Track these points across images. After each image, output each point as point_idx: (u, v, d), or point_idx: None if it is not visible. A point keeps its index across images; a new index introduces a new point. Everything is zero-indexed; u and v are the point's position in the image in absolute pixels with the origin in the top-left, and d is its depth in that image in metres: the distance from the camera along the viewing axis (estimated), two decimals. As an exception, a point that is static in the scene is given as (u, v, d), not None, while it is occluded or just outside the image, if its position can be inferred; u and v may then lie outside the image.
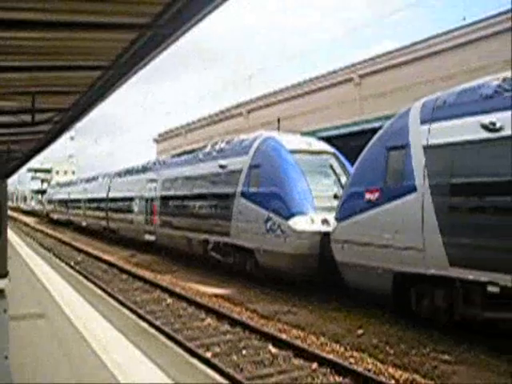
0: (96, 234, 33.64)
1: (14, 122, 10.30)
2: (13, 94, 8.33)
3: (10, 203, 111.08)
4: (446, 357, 8.32)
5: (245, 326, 10.32)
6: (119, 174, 30.94)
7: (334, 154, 15.22)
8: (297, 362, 8.32)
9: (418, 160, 9.47)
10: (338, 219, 11.49)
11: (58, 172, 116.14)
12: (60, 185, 54.04)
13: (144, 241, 23.35)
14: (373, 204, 10.36)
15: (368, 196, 10.50)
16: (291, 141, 15.18)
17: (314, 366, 8.03)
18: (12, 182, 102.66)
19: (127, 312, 10.17)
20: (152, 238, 22.34)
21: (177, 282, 15.84)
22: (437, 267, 8.89)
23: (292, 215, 12.99)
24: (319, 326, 10.37)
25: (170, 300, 13.26)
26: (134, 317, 9.76)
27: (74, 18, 5.08)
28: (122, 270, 18.50)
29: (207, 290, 14.37)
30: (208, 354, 8.51)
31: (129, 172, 29.09)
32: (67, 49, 6.13)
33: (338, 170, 14.70)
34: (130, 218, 25.77)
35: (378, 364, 8.07)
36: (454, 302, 8.97)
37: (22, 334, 7.35)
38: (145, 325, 9.17)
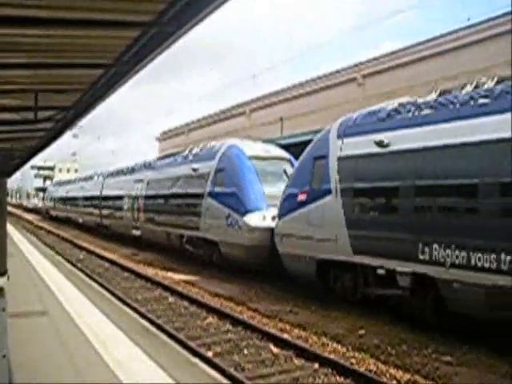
0: (92, 229, 34.39)
1: (17, 120, 10.29)
2: (16, 92, 8.32)
3: (13, 200, 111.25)
4: (448, 358, 8.29)
5: (246, 326, 10.30)
6: (111, 174, 33.20)
7: (288, 160, 17.38)
8: (298, 361, 8.30)
9: (333, 168, 11.78)
10: (279, 216, 13.71)
11: (60, 170, 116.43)
12: (59, 183, 56.60)
13: (132, 235, 25.81)
14: (302, 204, 12.58)
15: (300, 197, 12.72)
16: (251, 148, 17.43)
17: (316, 366, 8.01)
18: (15, 179, 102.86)
19: (128, 310, 10.17)
20: (138, 232, 24.92)
21: (178, 281, 15.84)
22: (345, 255, 11.20)
23: (247, 212, 15.31)
24: (320, 326, 10.35)
25: (171, 299, 13.26)
26: (135, 315, 9.76)
27: (78, 16, 5.07)
28: (124, 268, 18.51)
29: (209, 289, 14.36)
30: (209, 354, 8.50)
31: (120, 172, 31.36)
32: (70, 46, 6.12)
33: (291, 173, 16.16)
34: (120, 215, 28.16)
35: (380, 365, 8.04)
36: (357, 282, 11.24)
37: (23, 331, 7.35)
38: (146, 323, 9.17)
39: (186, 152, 21.63)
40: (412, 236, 9.55)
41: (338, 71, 30.11)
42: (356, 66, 28.94)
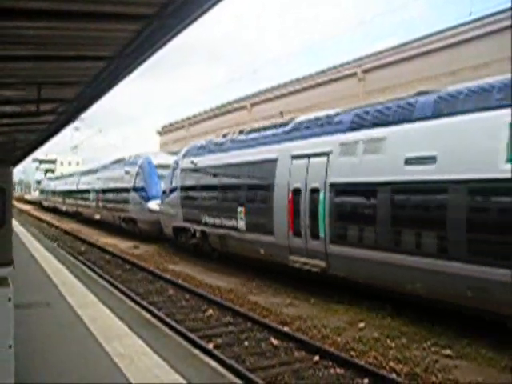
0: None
1: (20, 112, 10.30)
2: (18, 84, 8.33)
3: (15, 193, 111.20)
4: (448, 351, 8.34)
5: (247, 318, 10.36)
6: (84, 173, 42.64)
7: None
8: (298, 354, 8.36)
9: (178, 175, 20.52)
10: (161, 202, 22.40)
11: (62, 163, 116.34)
12: (50, 179, 68.13)
13: (95, 219, 34.99)
14: (168, 195, 21.40)
15: (167, 191, 21.56)
16: (157, 158, 26.68)
17: (316, 358, 8.06)
18: (17, 171, 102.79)
19: (130, 302, 10.21)
20: (98, 216, 34.25)
21: (179, 274, 15.89)
22: (182, 223, 19.86)
23: (149, 199, 24.59)
24: (321, 319, 10.41)
25: (172, 291, 13.32)
26: (136, 307, 9.80)
27: (80, 8, 5.08)
28: (125, 261, 18.58)
29: (210, 282, 14.42)
30: (210, 346, 8.55)
31: (89, 171, 40.55)
32: (73, 39, 6.13)
33: None
34: (88, 204, 37.32)
35: (380, 357, 8.09)
36: (187, 237, 19.42)
37: (26, 322, 7.40)
38: (148, 315, 9.21)
39: (126, 158, 30.17)
40: (201, 213, 18.06)
41: (340, 65, 30.02)
42: (355, 61, 28.86)
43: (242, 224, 15.07)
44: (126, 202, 27.23)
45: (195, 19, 4.96)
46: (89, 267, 16.02)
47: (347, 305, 11.40)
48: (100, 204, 33.32)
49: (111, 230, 30.92)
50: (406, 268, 9.78)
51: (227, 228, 15.99)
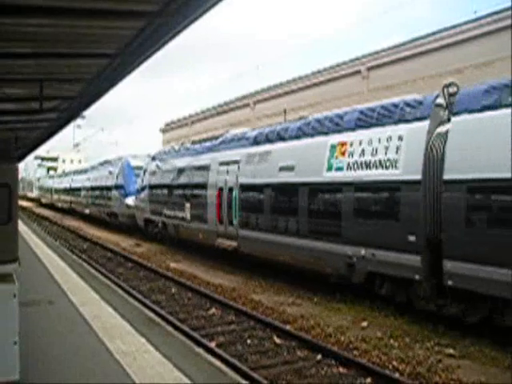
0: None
1: (23, 109, 10.28)
2: (21, 82, 8.30)
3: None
4: (451, 351, 8.32)
5: (249, 317, 10.34)
6: (77, 172, 48.18)
7: None
8: (301, 353, 8.34)
9: (147, 175, 24.92)
10: (135, 198, 26.32)
11: (64, 160, 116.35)
12: (48, 177, 73.36)
13: (85, 214, 39.57)
14: (140, 192, 25.49)
15: (140, 189, 25.63)
16: (135, 160, 30.24)
17: (319, 357, 8.05)
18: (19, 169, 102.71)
19: (132, 300, 10.21)
20: (87, 211, 38.70)
21: (182, 272, 15.88)
22: (150, 215, 24.05)
23: (127, 196, 28.21)
24: (324, 318, 10.38)
25: (174, 289, 13.31)
26: (139, 305, 9.80)
27: (83, 5, 5.04)
28: (128, 259, 18.59)
29: (212, 280, 14.41)
30: (212, 344, 8.54)
31: (80, 172, 46.43)
32: (76, 36, 6.09)
33: None
34: (79, 201, 42.25)
35: (383, 357, 8.06)
36: (155, 227, 23.46)
37: (29, 320, 7.39)
38: (151, 314, 9.20)
39: (111, 160, 35.02)
40: (162, 207, 22.25)
41: (344, 63, 29.97)
42: (358, 59, 28.81)
43: (188, 215, 19.55)
44: (109, 198, 31.69)
45: (198, 17, 4.92)
46: (91, 265, 16.02)
47: (350, 303, 11.37)
48: (89, 200, 37.96)
49: (113, 229, 30.97)
50: (280, 244, 13.64)
51: (179, 219, 20.42)
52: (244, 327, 9.81)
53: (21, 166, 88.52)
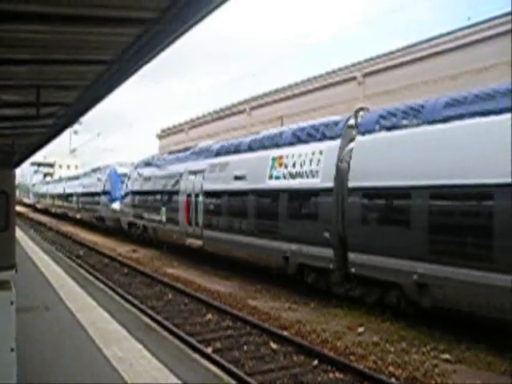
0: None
1: (19, 115, 10.28)
2: (18, 88, 8.31)
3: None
4: (447, 355, 8.34)
5: (246, 322, 10.34)
6: (69, 179, 50.92)
7: None
8: (297, 358, 8.35)
9: (130, 182, 27.52)
10: (120, 203, 28.47)
11: (61, 166, 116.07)
12: (43, 183, 76.59)
13: (77, 218, 41.38)
14: (124, 198, 27.87)
15: (124, 195, 27.98)
16: (122, 168, 32.44)
17: (315, 362, 8.05)
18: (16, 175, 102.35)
19: (129, 306, 10.20)
20: (78, 216, 40.91)
21: (178, 278, 15.87)
22: (132, 219, 26.35)
23: (113, 201, 30.56)
24: (320, 323, 10.39)
25: (171, 295, 13.29)
26: (135, 311, 9.80)
27: (80, 12, 5.07)
28: (124, 265, 18.56)
29: (208, 286, 14.40)
30: (209, 350, 8.54)
31: (72, 178, 49.46)
32: (73, 42, 6.12)
33: None
34: (71, 206, 44.56)
35: (379, 362, 8.08)
36: (137, 230, 25.50)
37: (26, 326, 7.38)
38: (147, 319, 9.20)
39: (101, 167, 37.48)
40: (142, 211, 24.48)
41: (340, 69, 30.07)
42: (353, 65, 28.92)
43: (164, 219, 21.90)
44: (97, 203, 33.93)
45: (195, 23, 4.96)
46: (87, 271, 15.99)
47: (346, 309, 11.39)
48: (80, 205, 40.71)
49: (109, 234, 30.95)
50: (236, 243, 15.62)
51: (156, 222, 22.81)
52: (240, 333, 9.80)
53: (17, 171, 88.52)
